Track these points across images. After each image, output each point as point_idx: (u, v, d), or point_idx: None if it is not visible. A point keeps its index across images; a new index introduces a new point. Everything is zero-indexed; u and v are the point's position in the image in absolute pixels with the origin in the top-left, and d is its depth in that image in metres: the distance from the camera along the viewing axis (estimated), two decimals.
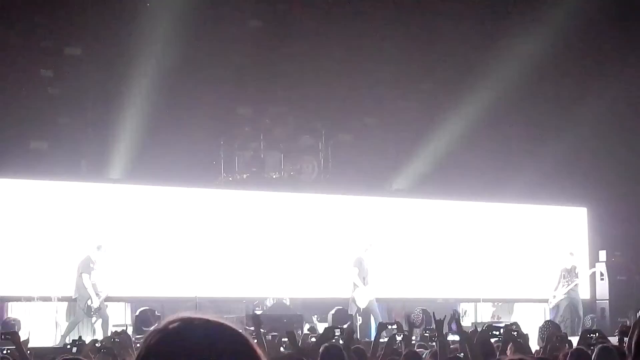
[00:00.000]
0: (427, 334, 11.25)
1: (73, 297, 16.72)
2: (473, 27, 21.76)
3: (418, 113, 21.92)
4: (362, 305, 17.99)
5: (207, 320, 2.06)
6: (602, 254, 21.61)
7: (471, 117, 21.68)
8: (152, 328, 2.05)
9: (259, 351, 2.03)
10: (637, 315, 16.89)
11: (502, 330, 9.63)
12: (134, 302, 17.85)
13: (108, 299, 16.77)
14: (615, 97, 22.21)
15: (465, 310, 20.87)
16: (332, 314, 17.86)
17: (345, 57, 21.48)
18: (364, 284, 18.11)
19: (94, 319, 16.59)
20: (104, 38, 19.89)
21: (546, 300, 20.19)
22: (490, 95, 21.46)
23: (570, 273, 19.78)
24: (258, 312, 15.92)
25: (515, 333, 9.55)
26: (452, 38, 21.55)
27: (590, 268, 21.47)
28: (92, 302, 16.40)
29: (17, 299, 17.25)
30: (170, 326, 2.06)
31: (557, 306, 19.66)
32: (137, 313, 17.02)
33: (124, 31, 19.17)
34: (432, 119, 21.88)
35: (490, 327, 10.01)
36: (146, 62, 19.07)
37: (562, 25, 20.90)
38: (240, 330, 2.06)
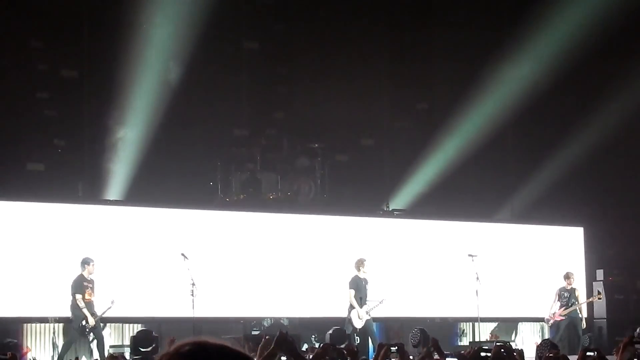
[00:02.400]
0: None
1: (70, 318, 16.69)
2: (470, 49, 21.84)
3: (415, 134, 21.94)
4: (359, 325, 17.99)
5: (221, 345, 1.99)
6: (600, 273, 21.63)
7: (468, 138, 21.73)
8: (157, 350, 2.00)
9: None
10: (635, 333, 16.92)
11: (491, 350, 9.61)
12: (130, 322, 17.82)
13: (104, 320, 16.73)
14: (611, 119, 22.27)
15: (464, 330, 20.87)
16: (330, 334, 17.83)
17: (341, 78, 21.53)
18: (360, 304, 18.10)
19: (90, 337, 16.53)
20: (100, 60, 19.93)
21: (543, 319, 20.18)
22: (487, 116, 21.53)
23: (571, 294, 19.76)
24: (255, 332, 15.91)
25: (504, 352, 9.51)
26: (448, 60, 21.63)
27: (587, 287, 21.47)
28: (86, 322, 16.32)
29: (14, 321, 17.23)
30: (183, 349, 1.98)
31: (557, 325, 19.64)
32: (135, 334, 16.98)
33: (121, 54, 19.21)
34: (428, 140, 21.92)
35: (480, 349, 10.01)
36: (142, 85, 19.11)
37: (559, 47, 20.98)
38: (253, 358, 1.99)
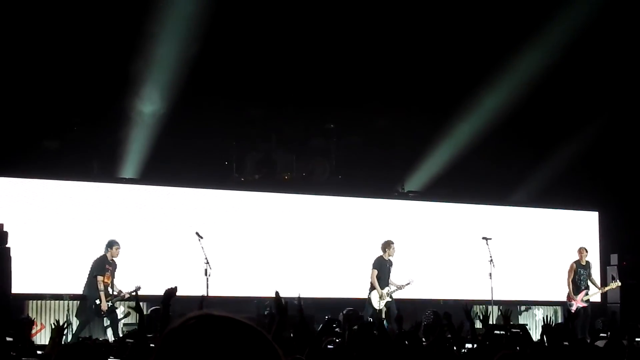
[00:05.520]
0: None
1: (83, 295, 16.77)
2: (487, 29, 21.74)
3: (430, 115, 21.86)
4: (378, 306, 18.02)
5: (228, 317, 1.97)
6: (614, 258, 21.58)
7: (484, 120, 21.66)
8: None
9: (280, 351, 1.95)
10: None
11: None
12: (143, 301, 17.87)
13: (121, 298, 16.81)
14: (626, 103, 22.20)
15: (477, 313, 20.87)
16: (344, 314, 17.86)
17: (357, 57, 21.44)
18: (382, 286, 18.14)
19: (105, 320, 16.61)
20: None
21: (556, 304, 20.17)
22: (503, 98, 21.45)
23: (588, 271, 19.74)
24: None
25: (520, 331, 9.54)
26: (464, 43, 21.52)
27: (601, 272, 21.43)
28: (100, 303, 16.44)
29: (30, 298, 17.32)
30: (189, 323, 1.95)
31: (578, 311, 19.48)
32: (148, 312, 17.03)
33: (138, 32, 19.16)
34: (443, 122, 21.85)
35: (493, 326, 10.06)
36: (160, 62, 19.08)
37: (573, 34, 20.87)
38: (261, 329, 1.97)
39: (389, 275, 18.36)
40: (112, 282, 16.77)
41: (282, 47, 20.72)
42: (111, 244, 16.82)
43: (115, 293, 16.66)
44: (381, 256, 18.43)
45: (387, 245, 18.48)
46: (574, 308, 19.31)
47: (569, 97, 22.53)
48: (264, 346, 1.94)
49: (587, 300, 19.66)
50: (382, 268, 18.32)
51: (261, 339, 1.95)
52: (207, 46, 19.53)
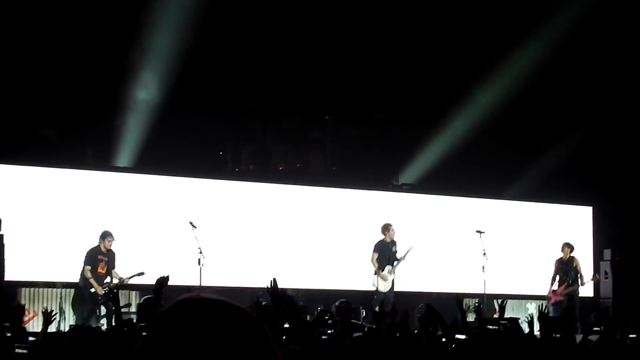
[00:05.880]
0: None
1: (77, 284, 16.81)
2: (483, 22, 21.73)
3: (425, 108, 21.86)
4: (385, 288, 18.16)
5: (216, 300, 1.95)
6: (607, 253, 21.62)
7: (478, 114, 21.67)
8: None
9: (270, 333, 1.93)
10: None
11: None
12: (137, 290, 17.88)
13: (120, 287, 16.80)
14: (622, 95, 22.21)
15: (469, 306, 20.89)
16: (336, 306, 17.88)
17: (353, 49, 21.42)
18: (383, 268, 18.23)
19: (102, 308, 16.62)
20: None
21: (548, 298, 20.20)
22: (498, 92, 21.46)
23: (569, 268, 19.77)
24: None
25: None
26: (460, 37, 21.51)
27: (594, 267, 21.48)
28: (95, 290, 16.47)
29: (23, 285, 17.31)
30: (177, 305, 1.93)
31: (558, 304, 19.60)
32: (141, 301, 17.05)
33: (134, 21, 19.13)
34: (438, 115, 21.86)
35: (487, 320, 10.08)
36: (155, 51, 19.06)
37: (568, 30, 20.86)
38: (254, 314, 1.95)
39: (395, 257, 18.44)
40: (109, 271, 16.76)
41: (278, 39, 20.70)
42: (104, 236, 16.82)
43: (115, 282, 16.60)
44: (381, 239, 18.52)
45: (385, 228, 18.58)
46: (552, 301, 19.44)
47: (564, 92, 22.53)
48: (257, 331, 1.92)
49: (568, 294, 19.64)
50: (384, 251, 18.41)
51: (254, 324, 1.93)
52: (203, 36, 19.50)
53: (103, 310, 16.62)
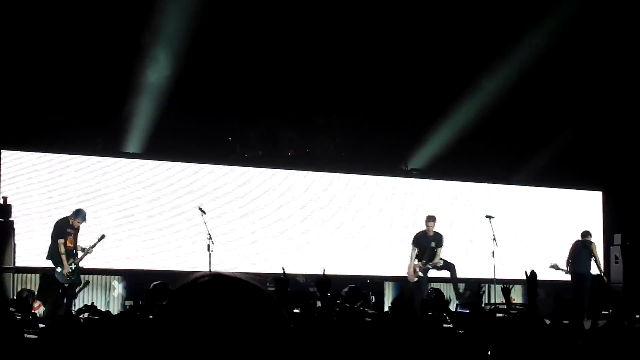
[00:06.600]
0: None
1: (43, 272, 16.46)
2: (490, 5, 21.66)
3: (434, 93, 21.80)
4: (412, 280, 18.24)
5: (239, 279, 2.01)
6: (617, 238, 21.57)
7: (487, 98, 21.61)
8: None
9: (287, 316, 1.98)
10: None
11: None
12: (146, 275, 17.89)
13: (125, 272, 16.80)
14: (632, 79, 22.12)
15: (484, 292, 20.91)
16: (346, 292, 17.88)
17: (363, 35, 21.37)
18: (418, 259, 18.32)
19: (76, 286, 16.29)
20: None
21: (557, 283, 20.19)
22: (507, 76, 21.39)
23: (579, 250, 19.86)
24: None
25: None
26: (467, 22, 21.43)
27: (604, 251, 21.44)
28: (62, 269, 16.10)
29: (33, 271, 17.34)
30: (200, 281, 2.00)
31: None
32: (151, 287, 17.06)
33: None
34: (447, 100, 21.81)
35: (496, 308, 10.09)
36: (164, 39, 19.04)
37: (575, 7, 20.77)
38: (270, 293, 2.00)
39: (432, 251, 18.48)
40: (75, 245, 16.41)
41: (287, 24, 20.66)
42: (77, 214, 16.42)
43: (80, 254, 16.32)
44: (421, 231, 18.74)
45: (427, 219, 18.77)
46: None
47: (574, 77, 22.44)
48: (274, 310, 1.97)
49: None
50: (419, 243, 18.61)
51: (272, 303, 1.98)
52: (212, 22, 19.48)
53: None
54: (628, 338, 8.08)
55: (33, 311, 15.04)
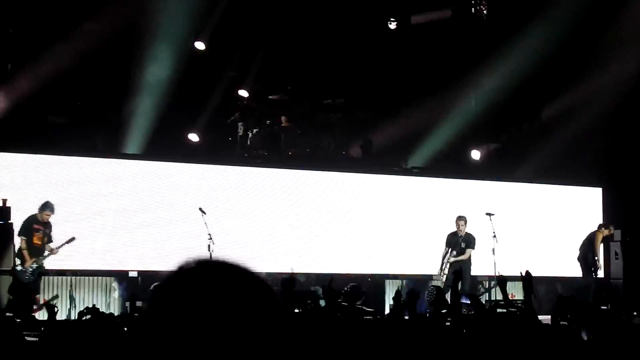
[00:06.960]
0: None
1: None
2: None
3: (434, 90, 21.81)
4: (437, 282, 18.32)
5: (226, 263, 1.90)
6: (617, 234, 21.56)
7: (487, 95, 21.62)
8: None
9: (279, 299, 1.86)
10: None
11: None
12: (144, 276, 17.91)
13: (125, 273, 16.80)
14: (632, 73, 22.10)
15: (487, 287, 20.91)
16: (346, 290, 17.90)
17: (362, 32, 21.37)
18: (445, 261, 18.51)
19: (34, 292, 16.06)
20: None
21: (558, 279, 20.21)
22: (507, 73, 21.38)
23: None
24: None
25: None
26: (468, 18, 21.42)
27: (604, 248, 21.44)
28: (22, 266, 15.93)
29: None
30: (185, 268, 1.87)
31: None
32: (152, 288, 17.08)
33: (142, 9, 19.12)
34: (448, 97, 21.81)
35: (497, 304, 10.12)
36: (164, 37, 19.05)
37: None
38: (265, 279, 1.89)
39: (460, 250, 18.70)
40: (44, 243, 16.25)
41: (288, 23, 20.68)
42: (44, 207, 16.28)
43: (46, 253, 16.20)
44: (453, 231, 18.82)
45: (456, 219, 18.92)
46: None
47: (574, 73, 22.44)
48: (265, 292, 1.86)
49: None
50: (449, 243, 18.83)
51: (262, 285, 1.87)
52: (211, 21, 19.50)
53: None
54: (627, 334, 8.09)
55: (33, 313, 15.06)
